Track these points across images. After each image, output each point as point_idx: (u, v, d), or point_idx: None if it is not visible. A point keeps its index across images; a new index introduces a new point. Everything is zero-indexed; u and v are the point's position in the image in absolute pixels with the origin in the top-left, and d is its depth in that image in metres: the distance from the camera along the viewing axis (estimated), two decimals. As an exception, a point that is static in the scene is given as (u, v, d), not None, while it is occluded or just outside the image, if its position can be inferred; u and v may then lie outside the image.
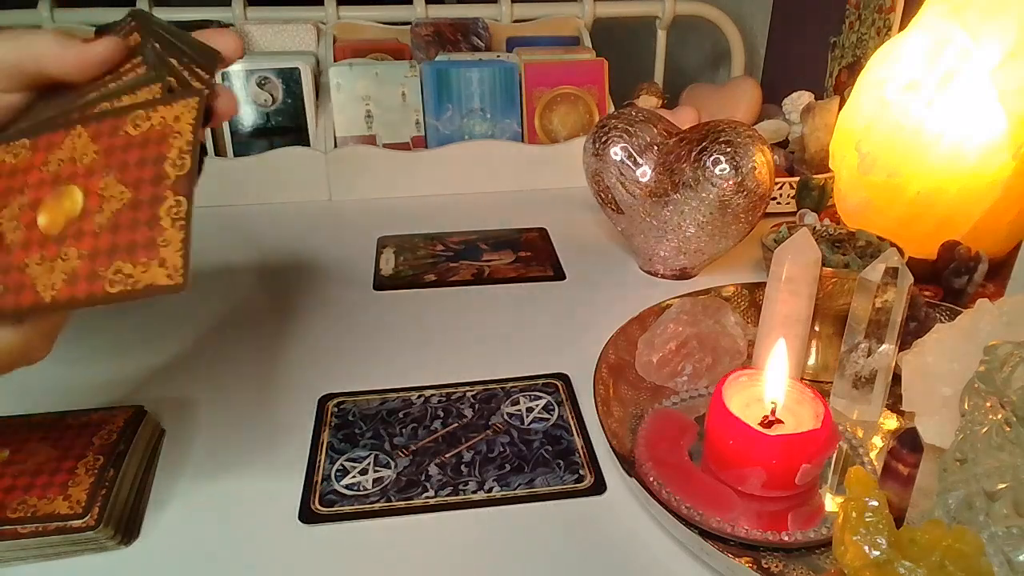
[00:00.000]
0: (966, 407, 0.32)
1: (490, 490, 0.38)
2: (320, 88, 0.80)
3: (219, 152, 0.78)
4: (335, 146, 0.78)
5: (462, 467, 0.39)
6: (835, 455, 0.39)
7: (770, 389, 0.37)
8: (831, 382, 0.43)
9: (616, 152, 0.56)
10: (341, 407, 0.44)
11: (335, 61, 0.81)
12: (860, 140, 0.58)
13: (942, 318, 0.47)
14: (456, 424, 0.43)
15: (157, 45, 0.33)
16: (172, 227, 0.29)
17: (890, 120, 0.56)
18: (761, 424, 0.35)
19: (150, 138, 0.31)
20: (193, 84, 0.32)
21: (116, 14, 0.99)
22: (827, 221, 0.64)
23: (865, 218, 0.59)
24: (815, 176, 0.68)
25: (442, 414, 0.43)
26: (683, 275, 0.59)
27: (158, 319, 0.54)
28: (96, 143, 0.31)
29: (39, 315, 0.31)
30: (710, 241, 0.56)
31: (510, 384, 0.46)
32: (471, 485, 0.38)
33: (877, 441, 0.40)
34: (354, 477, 0.39)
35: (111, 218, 0.30)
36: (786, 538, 0.33)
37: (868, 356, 0.41)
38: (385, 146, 0.78)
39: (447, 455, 0.40)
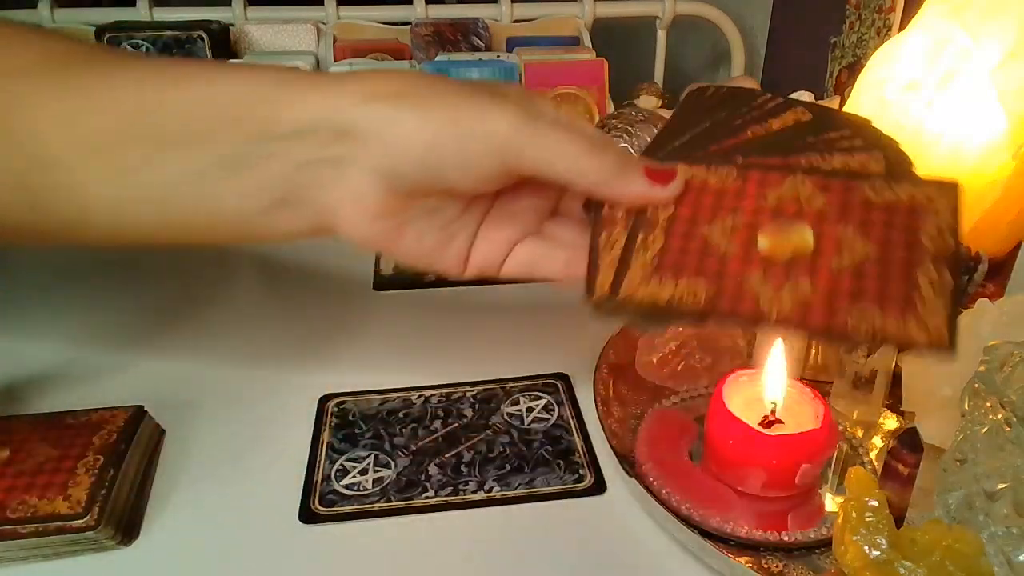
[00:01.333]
0: (966, 407, 0.32)
1: (490, 490, 0.38)
2: (320, 88, 0.80)
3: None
4: (335, 146, 0.77)
5: (462, 467, 0.39)
6: (835, 455, 0.39)
7: (770, 389, 0.37)
8: (831, 382, 0.43)
9: (616, 152, 0.56)
10: (341, 407, 0.44)
11: (335, 61, 0.81)
12: (860, 140, 0.58)
13: (942, 318, 0.47)
14: (456, 424, 0.43)
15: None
16: (934, 295, 0.28)
17: (890, 120, 0.56)
18: (761, 424, 0.35)
19: (897, 208, 0.30)
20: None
21: (116, 14, 0.98)
22: (827, 221, 0.64)
23: (865, 218, 0.58)
24: (815, 176, 0.68)
25: (442, 414, 0.43)
26: (683, 275, 0.59)
27: (158, 319, 0.54)
28: (824, 195, 0.31)
29: (758, 327, 0.33)
30: (710, 241, 0.56)
31: (510, 384, 0.46)
32: (471, 485, 0.38)
33: (877, 441, 0.40)
34: (354, 477, 0.39)
35: (853, 265, 0.29)
36: (786, 538, 0.33)
37: (868, 356, 0.41)
38: (385, 146, 0.78)
39: (447, 455, 0.40)
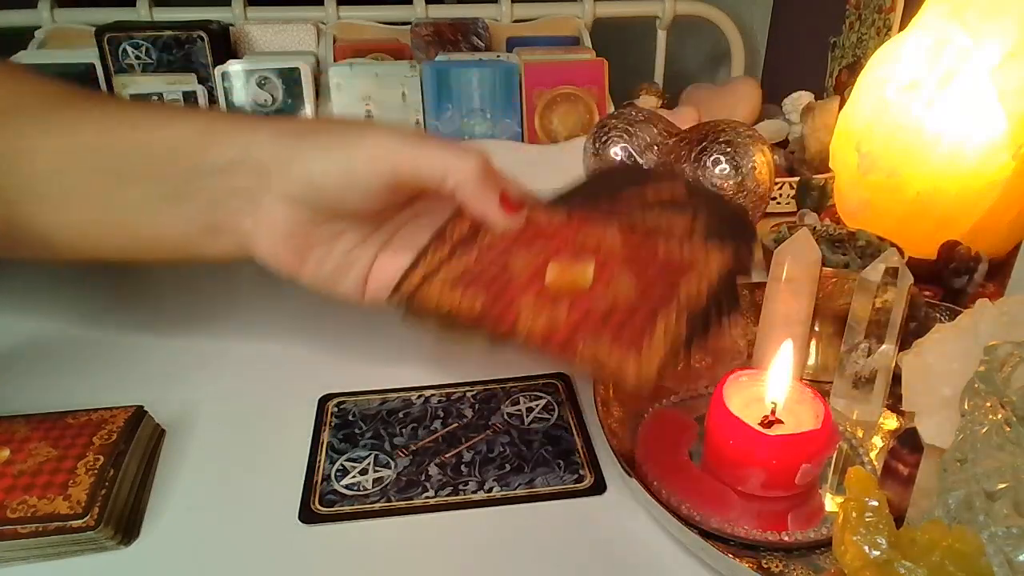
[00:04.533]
0: (966, 407, 0.32)
1: (490, 490, 0.38)
2: (320, 88, 0.80)
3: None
4: (335, 146, 0.77)
5: (462, 467, 0.39)
6: (835, 455, 0.39)
7: (770, 389, 0.37)
8: (831, 382, 0.43)
9: (616, 152, 0.56)
10: (341, 407, 0.44)
11: (335, 61, 0.81)
12: (860, 140, 0.58)
13: (942, 318, 0.47)
14: (456, 424, 0.43)
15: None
16: (662, 339, 0.31)
17: (890, 120, 0.56)
18: (761, 424, 0.35)
19: (675, 264, 0.34)
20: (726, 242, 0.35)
21: (116, 14, 0.98)
22: (827, 221, 0.64)
23: (865, 218, 0.59)
24: (815, 176, 0.68)
25: (442, 414, 0.43)
26: (683, 275, 0.59)
27: (158, 319, 0.54)
28: (623, 244, 0.36)
29: (506, 344, 0.35)
30: (710, 241, 0.56)
31: (510, 384, 0.46)
32: (471, 485, 0.38)
33: (877, 441, 0.40)
34: (354, 477, 0.39)
35: (609, 304, 0.33)
36: (786, 538, 0.33)
37: (868, 356, 0.41)
38: (385, 146, 0.78)
39: (447, 455, 0.40)
